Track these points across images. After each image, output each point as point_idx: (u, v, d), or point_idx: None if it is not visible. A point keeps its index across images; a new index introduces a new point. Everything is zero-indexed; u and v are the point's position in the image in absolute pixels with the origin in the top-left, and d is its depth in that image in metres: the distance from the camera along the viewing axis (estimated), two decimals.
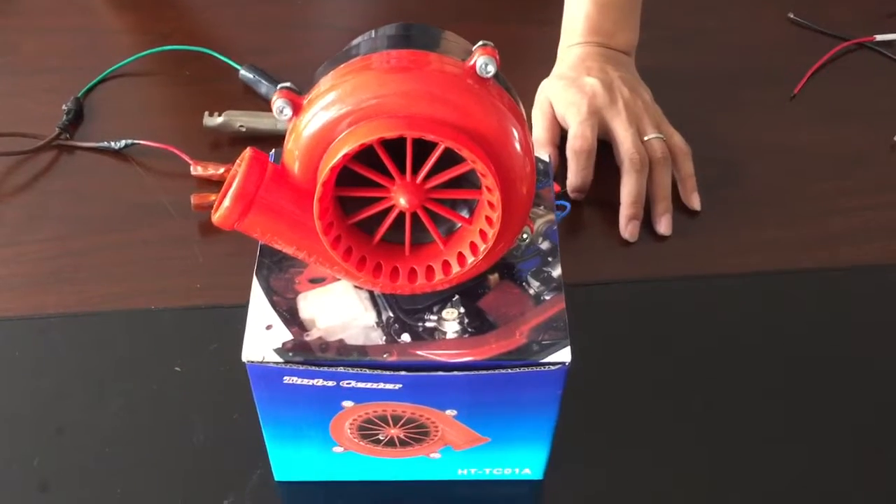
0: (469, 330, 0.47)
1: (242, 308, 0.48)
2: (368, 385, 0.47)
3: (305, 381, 0.47)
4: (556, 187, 0.55)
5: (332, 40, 0.88)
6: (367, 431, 0.51)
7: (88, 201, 0.72)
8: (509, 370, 0.46)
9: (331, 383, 0.47)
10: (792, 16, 0.91)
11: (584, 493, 0.56)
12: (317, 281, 0.50)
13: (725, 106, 0.81)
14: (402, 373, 0.46)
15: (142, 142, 0.75)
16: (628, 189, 0.70)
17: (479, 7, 0.92)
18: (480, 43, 0.43)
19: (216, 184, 0.72)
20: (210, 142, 0.76)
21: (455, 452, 0.53)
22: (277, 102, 0.43)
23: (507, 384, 0.47)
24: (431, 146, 0.43)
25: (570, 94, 0.74)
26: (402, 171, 0.44)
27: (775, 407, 0.60)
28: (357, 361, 0.46)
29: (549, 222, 0.53)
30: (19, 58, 0.86)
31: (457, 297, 0.49)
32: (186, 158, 0.73)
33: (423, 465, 0.54)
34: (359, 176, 0.44)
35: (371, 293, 0.49)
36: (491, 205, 0.44)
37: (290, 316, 0.48)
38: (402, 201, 0.44)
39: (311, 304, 0.48)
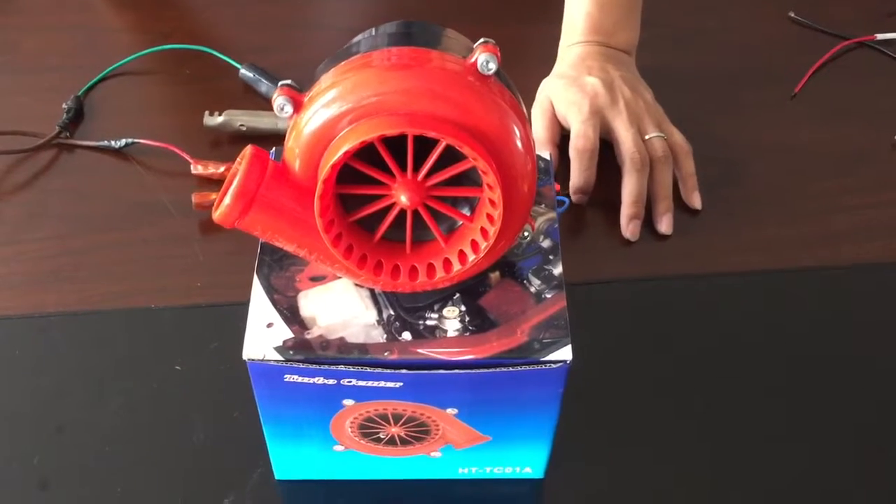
0: (470, 328, 0.47)
1: (243, 306, 0.48)
2: (369, 383, 0.47)
3: (306, 380, 0.47)
4: (557, 186, 0.55)
5: (332, 39, 0.88)
6: (368, 430, 0.51)
7: (89, 200, 0.72)
8: (510, 368, 0.46)
9: (331, 381, 0.47)
10: (792, 15, 0.90)
11: (585, 491, 0.56)
12: (317, 279, 0.49)
13: (726, 105, 0.81)
14: (403, 371, 0.46)
15: (142, 140, 0.75)
16: (629, 188, 0.70)
17: (479, 6, 0.92)
18: (482, 40, 0.43)
19: (216, 183, 0.72)
20: (210, 140, 0.76)
21: (456, 451, 0.53)
22: (278, 100, 0.43)
23: (508, 382, 0.47)
24: (432, 143, 0.43)
25: (571, 93, 0.74)
26: (404, 168, 0.44)
27: (776, 405, 0.60)
28: (358, 360, 0.46)
29: (551, 220, 0.53)
30: (20, 56, 0.86)
31: (458, 295, 0.49)
32: (187, 157, 0.73)
33: (423, 464, 0.54)
34: (360, 173, 0.44)
35: (372, 291, 0.49)
36: (492, 202, 0.44)
37: (291, 314, 0.48)
38: (403, 199, 0.44)
39: (312, 303, 0.48)
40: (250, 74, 0.81)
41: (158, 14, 0.91)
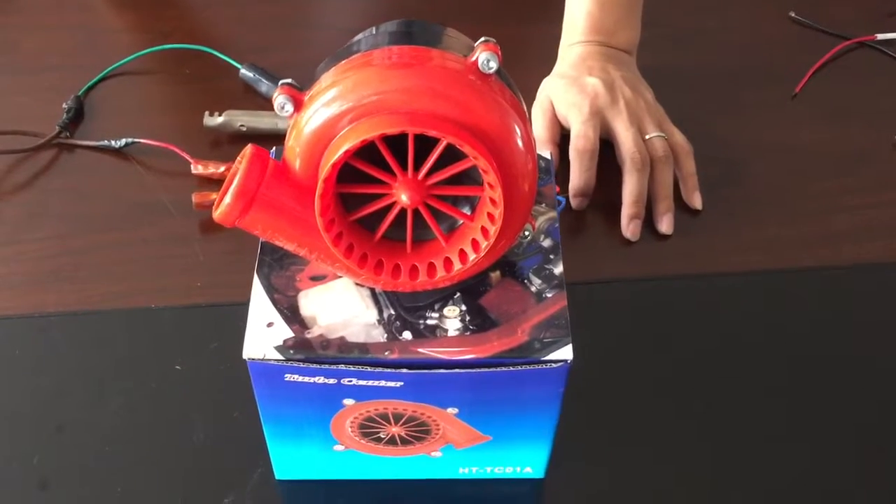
0: (470, 327, 0.47)
1: (243, 306, 0.48)
2: (369, 383, 0.47)
3: (306, 379, 0.46)
4: (556, 188, 0.56)
5: (332, 39, 0.87)
6: (369, 430, 0.51)
7: (89, 200, 0.72)
8: (511, 368, 0.46)
9: (332, 381, 0.47)
10: (793, 15, 0.90)
11: (585, 491, 0.56)
12: (318, 278, 0.49)
13: (727, 105, 0.81)
14: (404, 370, 0.46)
15: (142, 140, 0.75)
16: (630, 188, 0.70)
17: (479, 5, 0.92)
18: (482, 39, 0.43)
19: (217, 182, 0.72)
20: (210, 140, 0.76)
21: (456, 451, 0.53)
22: (279, 99, 0.43)
23: (508, 382, 0.47)
24: (433, 142, 0.43)
25: (572, 94, 0.74)
26: (404, 167, 0.44)
27: (777, 405, 0.60)
28: (358, 359, 0.46)
29: (551, 220, 0.53)
30: (20, 56, 0.86)
31: (458, 294, 0.49)
32: (187, 157, 0.73)
33: (424, 464, 0.54)
34: (360, 172, 0.44)
35: (372, 291, 0.49)
36: (493, 201, 0.44)
37: (291, 313, 0.47)
38: (403, 198, 0.44)
39: (313, 302, 0.48)
40: (250, 74, 0.81)
41: (158, 14, 0.91)
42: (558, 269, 0.50)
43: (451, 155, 0.43)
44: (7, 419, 0.58)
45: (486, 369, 0.46)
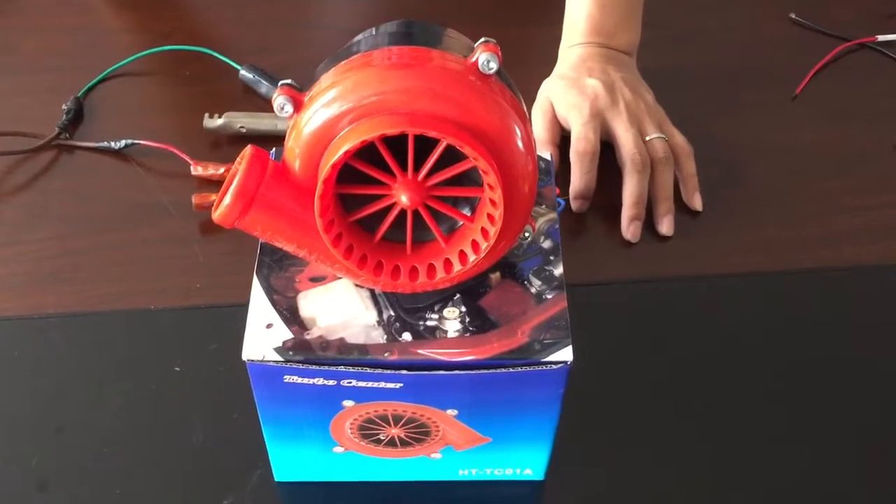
0: (470, 329, 0.47)
1: (242, 307, 0.48)
2: (369, 384, 0.46)
3: (306, 380, 0.46)
4: (556, 189, 0.55)
5: (332, 40, 0.87)
6: (368, 431, 0.51)
7: (88, 201, 0.72)
8: (511, 369, 0.46)
9: (331, 382, 0.46)
10: (793, 16, 0.90)
11: (585, 493, 0.56)
12: (317, 279, 0.49)
13: (727, 106, 0.81)
14: (403, 372, 0.46)
15: (142, 141, 0.75)
16: (630, 190, 0.70)
17: (479, 7, 0.92)
18: (482, 40, 0.43)
19: (216, 184, 0.72)
20: (210, 142, 0.76)
21: (456, 452, 0.53)
22: (278, 99, 0.43)
23: (508, 383, 0.47)
24: (433, 143, 0.43)
25: (572, 95, 0.74)
26: (404, 168, 0.44)
27: (777, 407, 0.60)
28: (358, 360, 0.46)
29: (551, 221, 0.52)
30: (19, 57, 0.86)
31: (458, 295, 0.49)
32: (186, 158, 0.73)
33: (423, 466, 0.54)
34: (360, 173, 0.44)
35: (372, 292, 0.49)
36: (493, 202, 0.44)
37: (291, 315, 0.47)
38: (403, 199, 0.44)
39: (312, 303, 0.48)
40: (250, 75, 0.81)
41: (158, 15, 0.91)
42: (558, 271, 0.50)
43: (451, 156, 0.43)
44: (6, 421, 0.58)
45: (486, 371, 0.46)
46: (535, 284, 0.49)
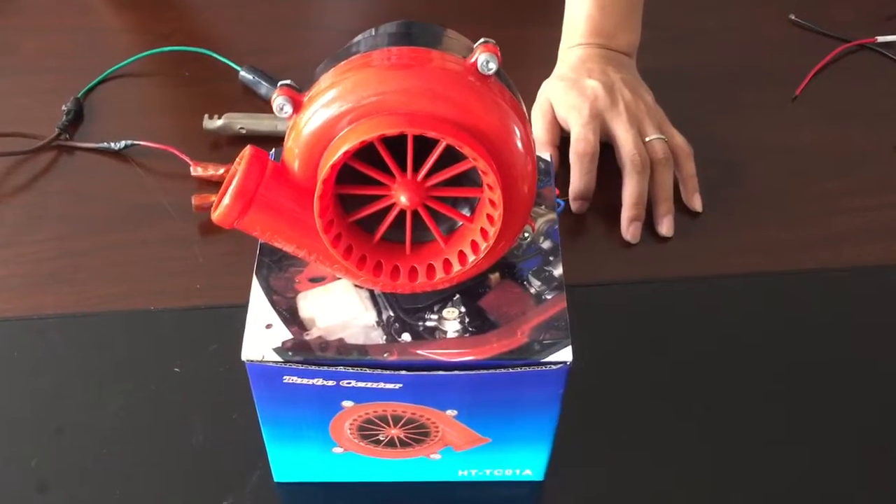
0: (470, 329, 0.47)
1: (242, 308, 0.48)
2: (368, 385, 0.46)
3: (305, 381, 0.46)
4: (556, 190, 0.55)
5: (332, 41, 0.87)
6: (367, 432, 0.51)
7: (88, 202, 0.72)
8: (510, 370, 0.46)
9: (331, 383, 0.46)
10: (793, 17, 0.90)
11: (584, 494, 0.55)
12: (317, 280, 0.49)
13: (727, 107, 0.81)
14: (403, 372, 0.46)
15: (141, 142, 0.75)
16: (630, 190, 0.70)
17: (479, 8, 0.92)
18: (482, 40, 0.43)
19: (216, 184, 0.72)
20: (210, 142, 0.76)
21: (455, 453, 0.53)
22: (277, 100, 0.43)
23: (508, 384, 0.47)
24: (432, 144, 0.43)
25: (572, 96, 0.74)
26: (403, 168, 0.44)
27: (777, 407, 0.60)
28: (357, 361, 0.46)
29: (551, 221, 0.52)
30: (19, 58, 0.86)
31: (457, 296, 0.49)
32: (186, 159, 0.73)
33: (423, 466, 0.54)
34: (359, 174, 0.44)
35: (371, 292, 0.49)
36: (492, 203, 0.44)
37: (290, 315, 0.47)
38: (402, 199, 0.44)
39: (311, 304, 0.48)
40: (250, 76, 0.81)
41: (158, 16, 0.91)
42: (558, 271, 0.50)
43: (451, 156, 0.43)
44: (6, 422, 0.58)
45: (486, 371, 0.46)
46: (535, 285, 0.49)
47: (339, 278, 0.49)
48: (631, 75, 0.77)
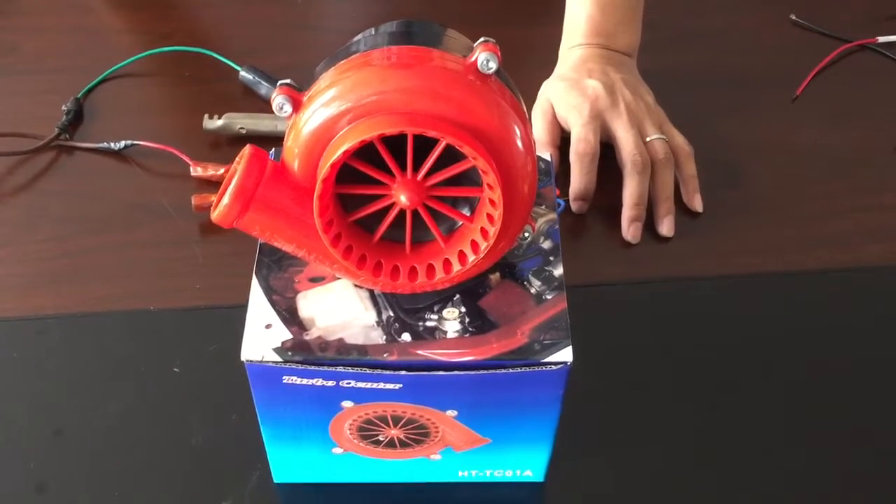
0: (470, 329, 0.47)
1: (242, 309, 0.48)
2: (368, 385, 0.46)
3: (305, 381, 0.46)
4: (556, 190, 0.55)
5: (332, 41, 0.87)
6: (367, 432, 0.50)
7: (88, 202, 0.72)
8: (510, 370, 0.46)
9: (330, 383, 0.46)
10: (794, 17, 0.90)
11: (585, 495, 0.55)
12: (316, 280, 0.49)
13: (727, 107, 0.81)
14: (403, 372, 0.46)
15: (141, 142, 0.75)
16: (630, 191, 0.70)
17: (479, 9, 0.92)
18: (482, 39, 0.43)
19: (216, 185, 0.72)
20: (210, 142, 0.76)
21: (455, 454, 0.52)
22: (277, 99, 0.43)
23: (508, 384, 0.47)
24: (432, 143, 0.42)
25: (572, 96, 0.74)
26: (403, 168, 0.43)
27: (777, 408, 0.60)
28: (357, 361, 0.46)
29: (551, 221, 0.52)
30: (19, 58, 0.86)
31: (458, 296, 0.49)
32: (186, 159, 0.73)
33: (423, 467, 0.54)
34: (359, 173, 0.44)
35: (371, 292, 0.49)
36: (492, 202, 0.44)
37: (290, 315, 0.47)
38: (402, 199, 0.44)
39: (311, 304, 0.48)
40: (250, 76, 0.81)
41: (158, 16, 0.91)
42: (558, 271, 0.50)
43: (451, 156, 0.43)
44: (4, 423, 0.58)
45: (486, 371, 0.46)
46: (535, 285, 0.49)
47: (339, 278, 0.49)
48: (631, 76, 0.77)
